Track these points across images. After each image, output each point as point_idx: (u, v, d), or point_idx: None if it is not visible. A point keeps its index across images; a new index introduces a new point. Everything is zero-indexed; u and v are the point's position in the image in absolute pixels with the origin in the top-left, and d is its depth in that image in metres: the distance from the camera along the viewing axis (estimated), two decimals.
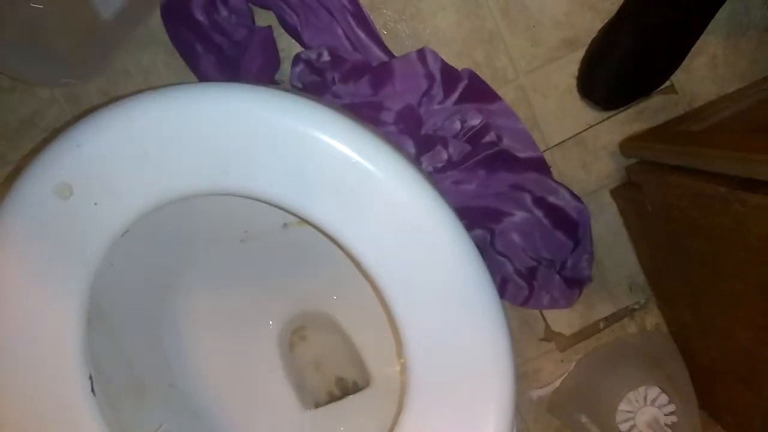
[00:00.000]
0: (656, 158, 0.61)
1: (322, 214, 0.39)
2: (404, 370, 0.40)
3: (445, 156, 0.68)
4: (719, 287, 0.56)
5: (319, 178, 0.38)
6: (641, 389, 0.67)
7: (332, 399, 0.65)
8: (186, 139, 0.37)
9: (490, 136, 0.69)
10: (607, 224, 0.74)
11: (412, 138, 0.67)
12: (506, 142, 0.71)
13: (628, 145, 0.67)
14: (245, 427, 0.58)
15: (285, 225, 0.53)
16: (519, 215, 0.69)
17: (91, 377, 0.40)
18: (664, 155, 0.60)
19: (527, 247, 0.70)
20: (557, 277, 0.71)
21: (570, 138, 0.73)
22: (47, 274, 0.38)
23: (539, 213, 0.70)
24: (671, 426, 0.66)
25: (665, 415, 0.66)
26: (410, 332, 0.39)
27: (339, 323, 0.61)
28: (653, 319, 0.76)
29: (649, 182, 0.63)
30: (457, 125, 0.69)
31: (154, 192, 0.37)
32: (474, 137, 0.69)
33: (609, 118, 0.72)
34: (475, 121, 0.69)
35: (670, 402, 0.67)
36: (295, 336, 0.64)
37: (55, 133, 0.70)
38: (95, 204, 0.38)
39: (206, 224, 0.50)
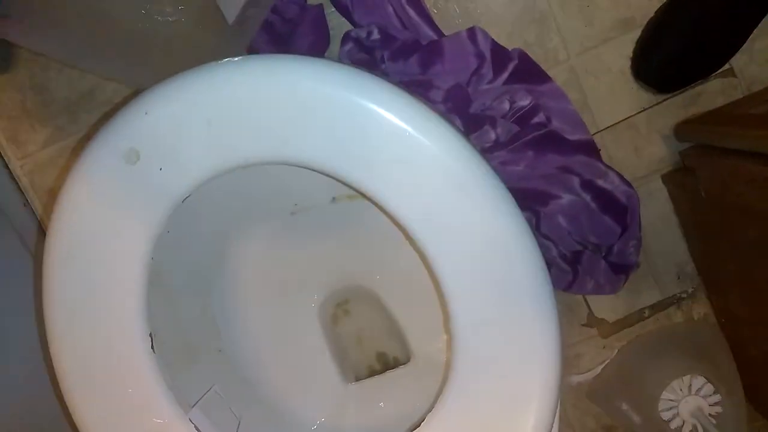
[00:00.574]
0: (713, 142, 0.60)
1: (373, 184, 0.40)
2: (449, 345, 0.41)
3: (492, 136, 0.68)
4: None
5: (372, 149, 0.39)
6: (686, 378, 0.67)
7: (373, 374, 0.67)
8: (247, 108, 0.39)
9: (539, 117, 0.69)
10: (656, 210, 0.74)
11: (460, 117, 0.67)
12: (555, 124, 0.70)
13: (683, 129, 0.66)
14: (288, 395, 0.60)
15: (334, 199, 0.54)
16: (566, 198, 0.69)
17: (151, 335, 0.43)
18: (721, 139, 0.59)
19: (573, 231, 0.70)
20: (603, 262, 0.71)
21: (622, 121, 0.72)
22: (114, 235, 0.41)
23: (587, 196, 0.70)
24: (716, 416, 0.65)
25: (710, 405, 0.66)
26: (458, 305, 0.40)
27: (382, 299, 0.62)
28: (701, 308, 0.75)
29: (704, 167, 0.62)
30: (506, 105, 0.69)
31: (216, 160, 0.39)
32: (523, 118, 0.69)
33: (663, 101, 0.70)
34: (525, 101, 0.69)
35: (715, 392, 0.66)
36: (339, 309, 0.66)
37: (117, 106, 0.73)
38: (160, 169, 0.40)
39: (260, 195, 0.52)
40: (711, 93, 0.69)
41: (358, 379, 0.66)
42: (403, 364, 0.65)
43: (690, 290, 0.75)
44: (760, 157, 0.52)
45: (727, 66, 0.68)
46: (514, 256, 0.40)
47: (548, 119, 0.70)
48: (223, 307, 0.57)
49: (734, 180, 0.58)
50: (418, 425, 0.44)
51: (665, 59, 0.65)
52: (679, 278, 0.74)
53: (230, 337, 0.57)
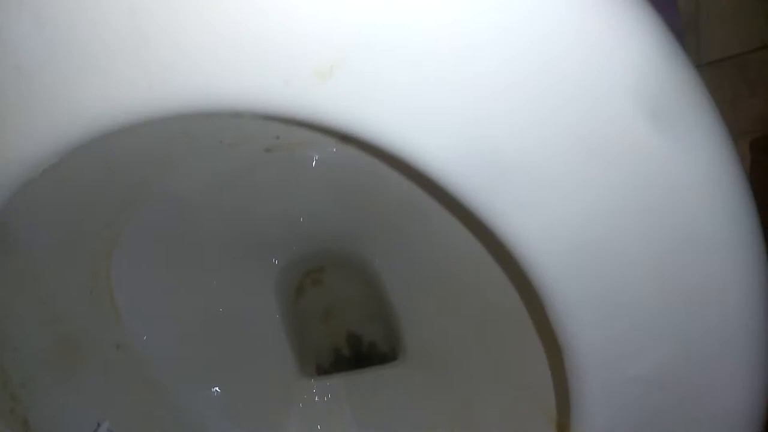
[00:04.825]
0: None
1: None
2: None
3: None
4: None
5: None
6: None
7: (339, 358, 0.50)
8: None
9: None
10: None
11: None
12: None
13: None
14: (221, 397, 0.42)
15: (346, 137, 0.32)
16: None
17: None
18: None
19: None
20: None
21: (732, 57, 0.53)
22: None
23: None
24: None
25: None
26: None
27: (381, 276, 0.43)
28: None
29: None
30: None
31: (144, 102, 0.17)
32: None
33: None
34: None
35: None
36: (308, 279, 0.46)
37: None
38: None
39: (215, 120, 0.29)
40: None
41: (318, 368, 0.49)
42: (385, 356, 0.49)
43: None
44: None
45: None
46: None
47: None
48: (129, 276, 0.36)
49: None
50: None
51: None
52: None
53: (138, 321, 0.37)
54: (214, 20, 0.16)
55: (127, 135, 0.21)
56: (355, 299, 0.48)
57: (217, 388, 0.42)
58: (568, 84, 0.17)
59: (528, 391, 0.36)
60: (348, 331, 0.50)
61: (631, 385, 0.18)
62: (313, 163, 0.34)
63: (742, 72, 0.54)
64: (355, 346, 0.50)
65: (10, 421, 0.30)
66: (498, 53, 0.17)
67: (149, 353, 0.37)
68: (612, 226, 0.18)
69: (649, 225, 0.18)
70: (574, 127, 0.17)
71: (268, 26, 0.16)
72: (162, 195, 0.33)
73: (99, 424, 0.32)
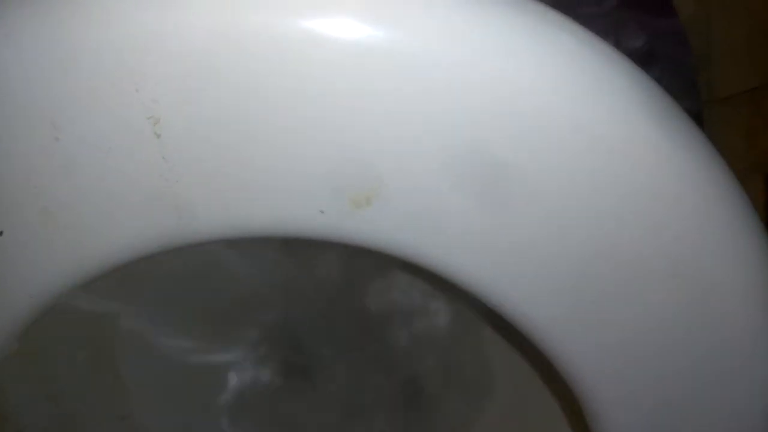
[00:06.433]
0: None
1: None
2: None
3: None
4: None
5: None
6: None
7: None
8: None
9: (652, 73, 0.48)
10: None
11: None
12: (663, 84, 0.50)
13: None
14: None
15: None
16: None
17: None
18: None
19: None
20: None
21: (746, 92, 0.53)
22: None
23: None
24: None
25: None
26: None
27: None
28: None
29: None
30: (610, 44, 0.47)
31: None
32: None
33: None
34: (636, 42, 0.48)
35: None
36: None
37: None
38: None
39: None
40: None
41: None
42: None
43: None
44: None
45: None
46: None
47: (659, 78, 0.49)
48: (133, 346, 0.35)
49: None
50: None
51: None
52: None
53: (142, 391, 0.36)
54: (247, 156, 0.15)
55: None
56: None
57: None
58: None
59: None
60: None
61: None
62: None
63: (757, 106, 0.53)
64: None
65: None
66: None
67: (154, 423, 0.36)
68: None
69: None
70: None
71: (303, 160, 0.15)
72: (159, 272, 0.32)
73: None
